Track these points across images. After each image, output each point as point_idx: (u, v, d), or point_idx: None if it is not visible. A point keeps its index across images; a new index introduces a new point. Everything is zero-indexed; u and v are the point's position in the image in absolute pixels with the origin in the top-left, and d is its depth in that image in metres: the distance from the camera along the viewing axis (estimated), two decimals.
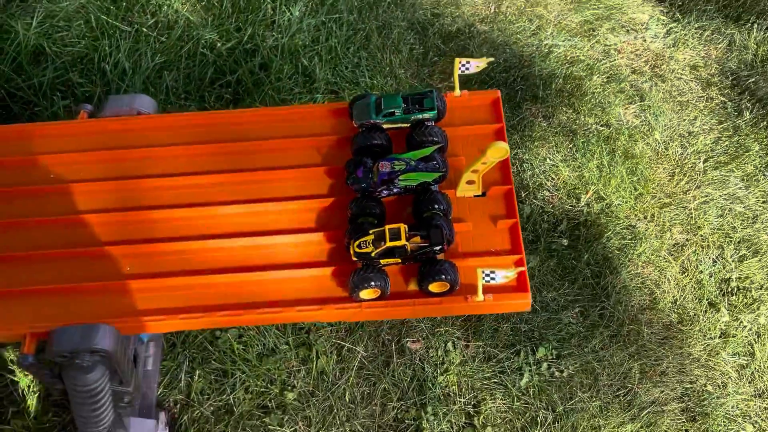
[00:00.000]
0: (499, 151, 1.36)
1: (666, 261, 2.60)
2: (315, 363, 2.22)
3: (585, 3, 3.27)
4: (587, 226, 2.63)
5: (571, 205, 2.68)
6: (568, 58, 3.07)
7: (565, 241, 2.56)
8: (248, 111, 1.63)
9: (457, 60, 1.52)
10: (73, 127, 1.61)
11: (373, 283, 1.33)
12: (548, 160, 2.77)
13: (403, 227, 1.33)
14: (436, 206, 1.41)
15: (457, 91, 1.61)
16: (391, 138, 1.53)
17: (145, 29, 2.72)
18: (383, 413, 2.21)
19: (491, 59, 1.57)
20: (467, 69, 1.53)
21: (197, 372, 2.17)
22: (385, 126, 1.52)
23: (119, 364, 1.40)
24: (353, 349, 2.26)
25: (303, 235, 1.46)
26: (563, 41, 3.12)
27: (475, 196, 1.51)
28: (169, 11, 2.82)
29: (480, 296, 1.33)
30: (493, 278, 1.30)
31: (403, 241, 1.31)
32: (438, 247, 1.33)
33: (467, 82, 2.85)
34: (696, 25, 3.26)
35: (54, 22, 2.68)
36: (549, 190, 2.70)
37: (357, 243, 1.35)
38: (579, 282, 2.52)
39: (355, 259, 1.36)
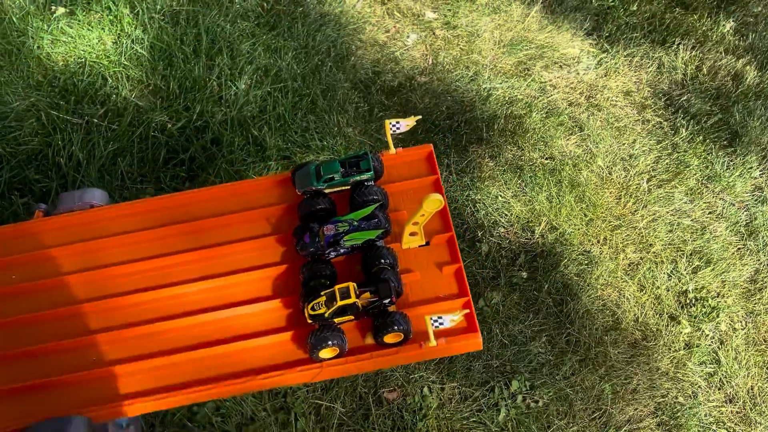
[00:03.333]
0: (434, 202, 1.44)
1: (623, 281, 2.69)
2: (294, 426, 2.25)
3: (517, 45, 3.43)
4: (544, 256, 2.72)
5: (527, 238, 2.77)
6: (507, 98, 3.20)
7: (524, 274, 2.64)
8: (199, 191, 1.69)
9: (387, 122, 1.61)
10: (29, 227, 1.66)
11: (329, 342, 1.40)
12: (500, 197, 2.87)
13: (352, 285, 1.40)
14: (383, 261, 1.48)
15: (392, 150, 1.70)
16: (335, 200, 1.61)
17: (95, 119, 2.80)
18: None
19: (419, 117, 1.67)
20: (398, 129, 1.63)
21: None
22: (327, 191, 1.61)
23: None
24: (331, 406, 2.30)
25: (261, 304, 1.52)
26: (500, 83, 3.26)
27: (419, 246, 1.58)
28: (118, 99, 2.91)
29: (433, 341, 1.40)
30: (441, 323, 1.37)
31: (353, 299, 1.38)
32: (387, 300, 1.40)
33: (413, 132, 2.97)
34: (625, 53, 3.44)
35: (6, 122, 2.75)
36: (504, 226, 2.79)
37: (310, 305, 1.41)
38: (543, 312, 2.59)
39: (310, 321, 1.42)
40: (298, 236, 1.53)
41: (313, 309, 1.41)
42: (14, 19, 3.03)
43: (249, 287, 1.55)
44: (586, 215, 2.85)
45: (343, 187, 1.60)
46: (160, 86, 2.98)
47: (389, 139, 1.65)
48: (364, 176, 1.57)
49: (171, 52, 3.07)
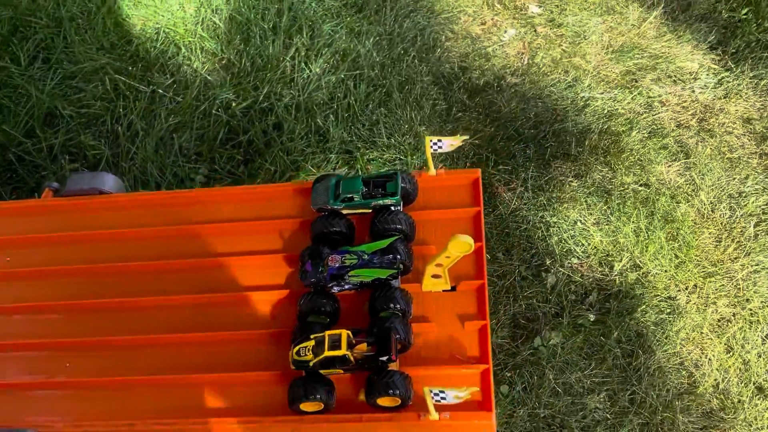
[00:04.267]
0: (461, 245, 1.20)
1: (708, 338, 2.33)
2: None
3: (627, 52, 3.06)
4: (620, 298, 2.40)
5: (603, 274, 2.45)
6: (606, 111, 2.86)
7: (592, 316, 2.33)
8: (212, 190, 1.53)
9: (427, 138, 1.37)
10: (32, 206, 1.55)
11: (312, 396, 1.19)
12: (579, 223, 2.55)
13: (345, 334, 1.18)
14: (393, 305, 1.26)
15: (432, 170, 1.46)
16: (355, 223, 1.39)
17: (161, 90, 2.70)
18: None
19: (466, 137, 1.42)
20: (440, 148, 1.38)
21: None
22: (345, 211, 1.39)
23: None
24: None
25: (250, 332, 1.33)
26: (601, 93, 2.92)
27: (443, 291, 1.34)
28: (188, 71, 2.80)
29: (434, 415, 1.16)
30: (443, 398, 1.13)
31: (343, 351, 1.16)
32: (385, 358, 1.17)
33: (491, 139, 2.70)
34: (751, 74, 2.99)
35: (73, 83, 2.70)
36: (578, 257, 2.48)
37: (296, 349, 1.21)
38: (608, 362, 2.28)
39: (293, 368, 1.21)
40: (302, 261, 1.32)
41: (298, 354, 1.20)
42: None
43: (243, 310, 1.36)
44: (677, 256, 2.49)
45: (364, 210, 1.38)
46: (233, 61, 2.84)
47: (429, 158, 1.41)
48: (388, 201, 1.34)
49: (249, 27, 2.93)
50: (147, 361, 1.33)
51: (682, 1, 3.29)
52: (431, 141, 1.38)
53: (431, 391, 1.11)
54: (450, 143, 1.37)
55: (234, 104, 2.69)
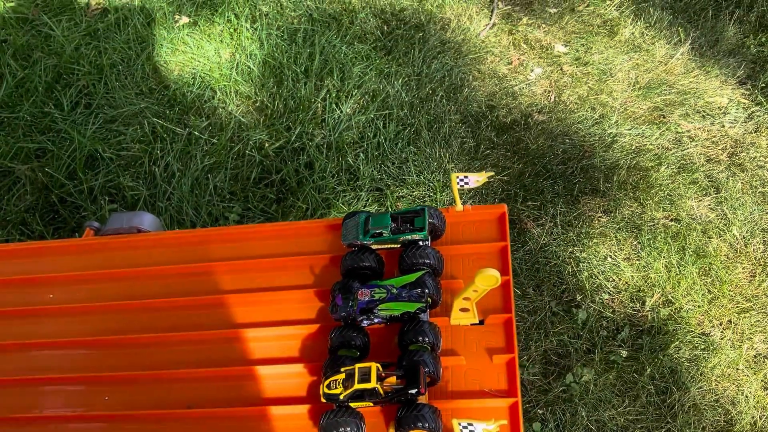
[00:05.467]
0: (489, 279, 1.21)
1: (745, 375, 2.29)
2: None
3: (654, 89, 3.08)
4: (652, 334, 2.38)
5: (635, 310, 2.43)
6: (634, 147, 2.87)
7: (624, 352, 2.31)
8: (244, 227, 1.57)
9: (453, 175, 1.40)
10: (72, 246, 1.61)
11: (342, 429, 1.20)
12: (609, 258, 2.55)
13: (375, 366, 1.20)
14: (422, 339, 1.27)
15: (459, 206, 1.49)
16: (384, 258, 1.42)
17: (197, 132, 2.78)
18: None
19: (491, 173, 1.45)
20: (466, 184, 1.41)
21: None
22: (374, 246, 1.42)
23: None
24: None
25: (282, 366, 1.36)
26: (629, 129, 2.93)
27: (471, 324, 1.36)
28: (223, 113, 2.89)
29: None
30: (472, 431, 1.14)
31: (373, 384, 1.18)
32: (414, 391, 1.19)
33: (520, 175, 2.72)
34: None
35: (113, 126, 2.80)
36: (609, 293, 2.47)
37: (326, 383, 1.23)
38: (641, 399, 2.25)
39: (323, 401, 1.23)
40: (333, 295, 1.35)
41: (329, 387, 1.22)
42: (138, 25, 3.10)
43: (274, 344, 1.39)
44: (710, 292, 2.47)
45: (393, 245, 1.41)
46: (266, 104, 2.93)
47: (456, 194, 1.44)
48: (416, 236, 1.37)
49: (282, 70, 3.02)
50: (180, 395, 1.36)
51: (709, 37, 3.31)
52: (458, 177, 1.41)
53: (459, 424, 1.12)
54: (476, 179, 1.40)
55: (267, 144, 2.76)
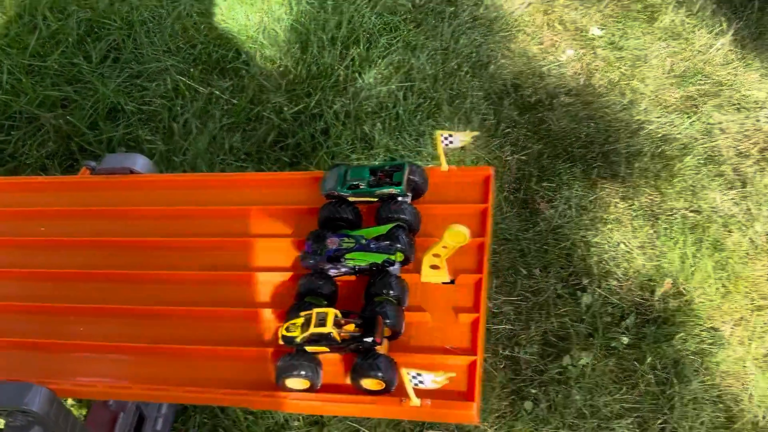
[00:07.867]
0: (457, 236, 1.19)
1: (751, 373, 2.21)
2: None
3: (690, 78, 2.98)
4: (659, 323, 2.31)
5: (643, 298, 2.37)
6: (661, 135, 2.78)
7: (625, 339, 2.26)
8: (237, 175, 1.58)
9: (438, 132, 1.38)
10: (65, 182, 1.65)
11: (296, 372, 1.20)
12: (622, 245, 2.48)
13: (332, 312, 1.19)
14: (387, 291, 1.26)
15: (444, 166, 1.46)
16: (363, 212, 1.41)
17: (218, 92, 2.81)
18: None
19: (476, 133, 1.42)
20: (451, 143, 1.39)
21: None
22: (352, 199, 1.41)
23: (56, 429, 1.35)
24: None
25: (250, 310, 1.36)
26: (658, 117, 2.85)
27: (443, 283, 1.34)
28: (246, 75, 2.90)
29: (414, 400, 1.15)
30: (421, 381, 1.12)
31: (328, 329, 1.17)
32: (370, 339, 1.18)
33: (539, 155, 2.67)
34: None
35: (138, 81, 2.84)
36: (618, 279, 2.41)
37: (285, 326, 1.23)
38: (639, 388, 2.20)
39: (281, 343, 1.23)
40: (306, 243, 1.35)
41: (287, 330, 1.22)
42: None
43: (247, 288, 1.40)
44: (724, 286, 2.38)
45: (370, 199, 1.40)
46: (290, 68, 2.93)
47: (441, 153, 1.42)
48: (393, 190, 1.35)
49: (308, 36, 3.02)
50: (153, 331, 1.38)
51: (753, 29, 3.19)
52: (442, 136, 1.39)
53: (409, 373, 1.11)
54: (461, 138, 1.38)
55: (286, 108, 2.77)
